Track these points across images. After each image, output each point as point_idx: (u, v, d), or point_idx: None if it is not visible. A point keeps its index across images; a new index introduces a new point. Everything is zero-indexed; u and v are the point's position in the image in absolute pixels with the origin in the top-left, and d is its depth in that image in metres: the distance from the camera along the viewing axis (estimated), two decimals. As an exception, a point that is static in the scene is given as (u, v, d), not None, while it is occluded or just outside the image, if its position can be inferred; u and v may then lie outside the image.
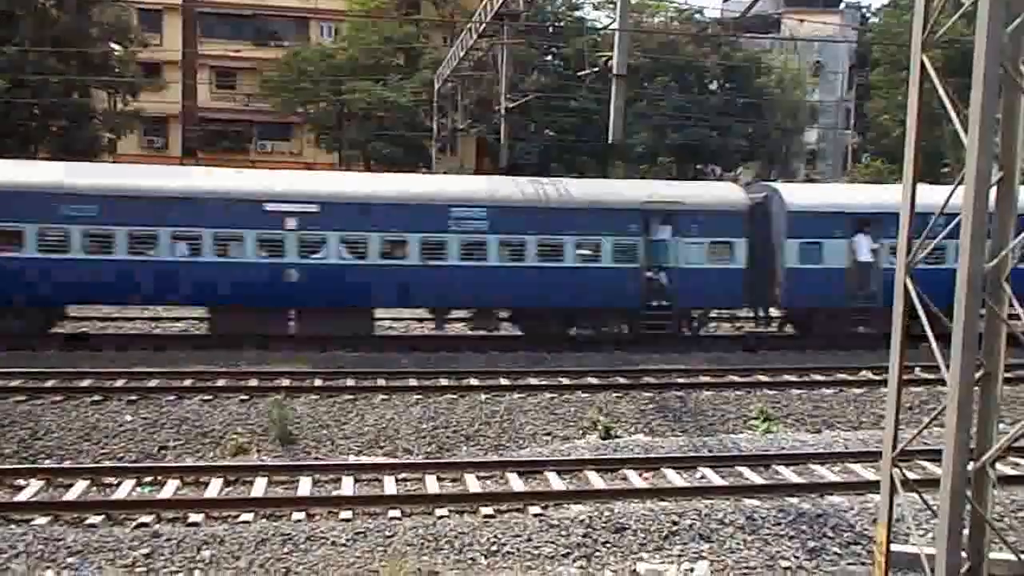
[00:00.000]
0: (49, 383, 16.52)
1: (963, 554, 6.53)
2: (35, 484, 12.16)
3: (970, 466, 6.50)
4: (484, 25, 29.25)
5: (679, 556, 10.57)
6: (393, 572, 9.56)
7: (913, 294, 6.77)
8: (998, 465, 7.76)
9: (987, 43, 5.96)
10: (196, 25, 52.31)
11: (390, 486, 12.43)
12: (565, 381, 17.89)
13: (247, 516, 11.19)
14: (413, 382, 17.52)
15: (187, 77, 51.79)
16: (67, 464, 13.67)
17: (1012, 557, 7.53)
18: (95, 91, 43.90)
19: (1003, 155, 6.41)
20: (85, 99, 42.70)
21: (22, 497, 11.71)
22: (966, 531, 6.57)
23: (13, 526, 10.67)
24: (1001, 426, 6.82)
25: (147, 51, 46.57)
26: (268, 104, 49.67)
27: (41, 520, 10.89)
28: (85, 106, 42.30)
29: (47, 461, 13.95)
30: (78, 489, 12.05)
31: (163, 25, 51.18)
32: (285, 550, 10.25)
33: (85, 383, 16.64)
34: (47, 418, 15.03)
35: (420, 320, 24.23)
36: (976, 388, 6.38)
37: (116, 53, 42.69)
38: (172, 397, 16.08)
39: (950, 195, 6.61)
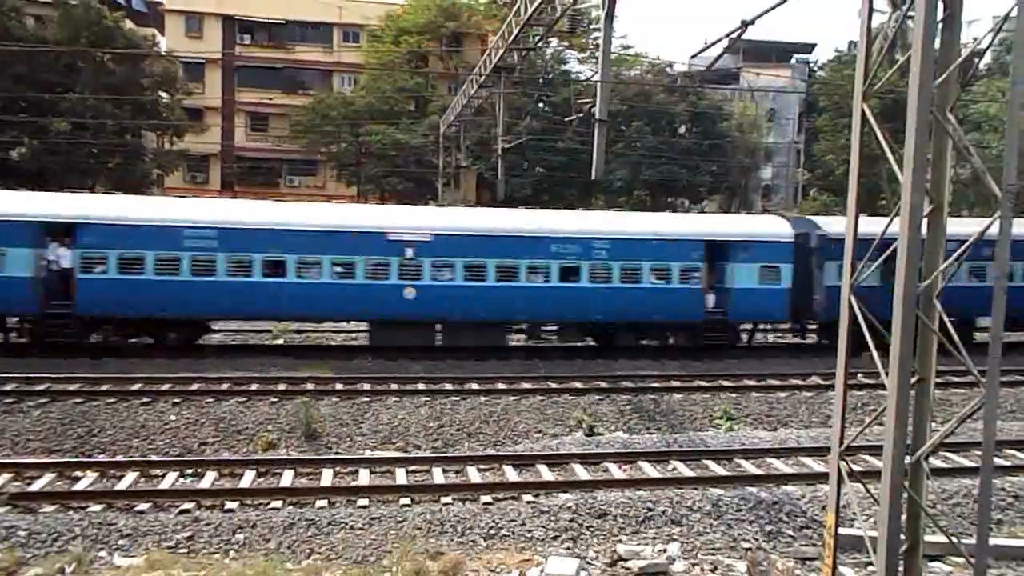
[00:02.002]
0: (104, 387, 16.41)
1: (902, 536, 6.51)
2: (91, 475, 12.09)
3: (907, 460, 6.49)
4: (484, 77, 29.39)
5: (654, 538, 10.53)
6: (404, 552, 9.50)
7: (857, 310, 6.78)
8: (932, 459, 7.73)
9: (919, 94, 6.01)
10: (234, 76, 52.44)
11: (401, 477, 12.36)
12: (553, 385, 17.83)
13: (276, 503, 11.13)
14: (421, 386, 17.44)
15: (226, 121, 51.85)
16: (119, 458, 13.58)
17: (944, 539, 7.51)
18: (146, 133, 43.95)
19: (934, 190, 6.45)
20: (137, 140, 42.71)
21: (79, 487, 11.63)
22: (904, 517, 6.56)
23: (71, 512, 10.60)
24: (933, 425, 6.82)
25: (191, 98, 46.55)
26: (296, 144, 49.75)
27: (96, 507, 10.81)
28: (137, 146, 42.30)
29: (101, 455, 13.85)
30: (128, 479, 11.98)
31: (205, 76, 51.25)
32: (309, 533, 10.20)
33: (135, 387, 16.54)
34: (101, 417, 14.94)
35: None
36: (912, 392, 6.39)
37: (164, 100, 42.73)
38: (211, 399, 15.98)
39: (888, 224, 6.64)
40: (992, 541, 8.22)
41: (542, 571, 9.38)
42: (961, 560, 9.30)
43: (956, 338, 6.36)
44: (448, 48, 50.36)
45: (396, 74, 48.17)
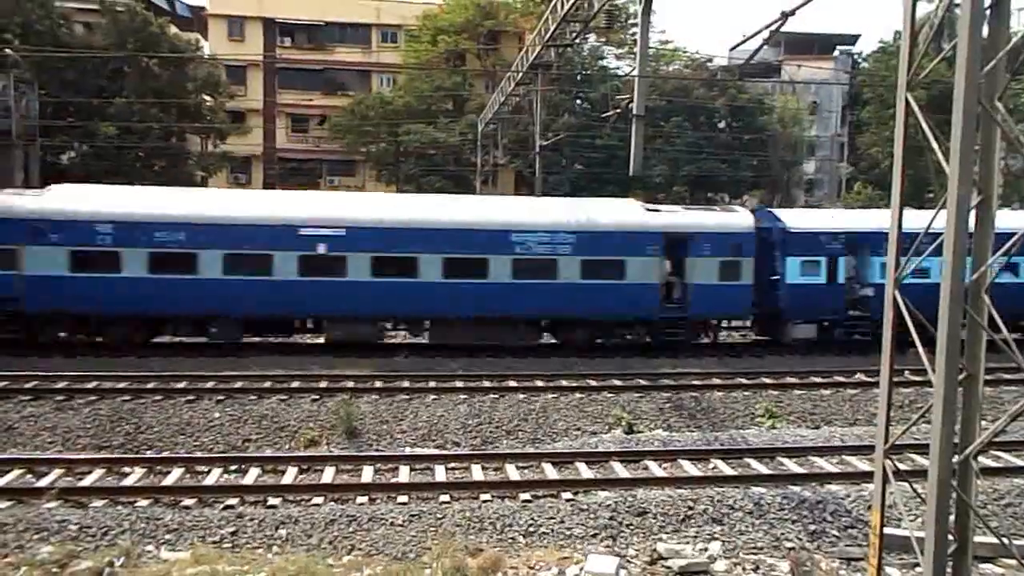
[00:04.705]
0: (150, 385, 16.77)
1: (950, 537, 6.36)
2: (138, 471, 12.36)
3: (955, 458, 6.34)
4: (521, 74, 29.41)
5: (695, 537, 10.43)
6: (444, 549, 9.54)
7: (902, 305, 6.63)
8: (982, 458, 7.54)
9: (966, 83, 5.85)
10: (275, 78, 53.21)
11: (440, 474, 12.42)
12: (592, 383, 17.75)
13: (318, 499, 11.27)
14: (460, 384, 17.50)
15: (267, 123, 52.62)
16: (165, 454, 13.87)
17: (995, 540, 7.32)
18: (190, 136, 44.78)
19: (982, 181, 6.28)
20: (182, 143, 43.55)
21: (127, 482, 11.90)
22: (953, 517, 6.41)
23: (120, 507, 10.85)
24: (984, 423, 6.64)
25: (234, 101, 47.38)
26: (336, 144, 50.30)
27: (143, 502, 11.06)
28: (182, 149, 43.15)
29: (148, 452, 14.16)
30: (174, 475, 12.21)
31: (247, 79, 52.05)
32: (350, 529, 10.30)
33: (181, 385, 16.87)
34: (148, 415, 15.26)
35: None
36: (960, 389, 6.23)
37: (208, 103, 43.50)
38: (254, 397, 16.23)
39: (933, 217, 6.49)
40: (1046, 542, 8.00)
41: (582, 569, 9.35)
42: (1013, 562, 9.06)
43: (1006, 333, 6.18)
44: (485, 46, 50.47)
45: (434, 73, 48.43)
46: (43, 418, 14.93)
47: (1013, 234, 6.14)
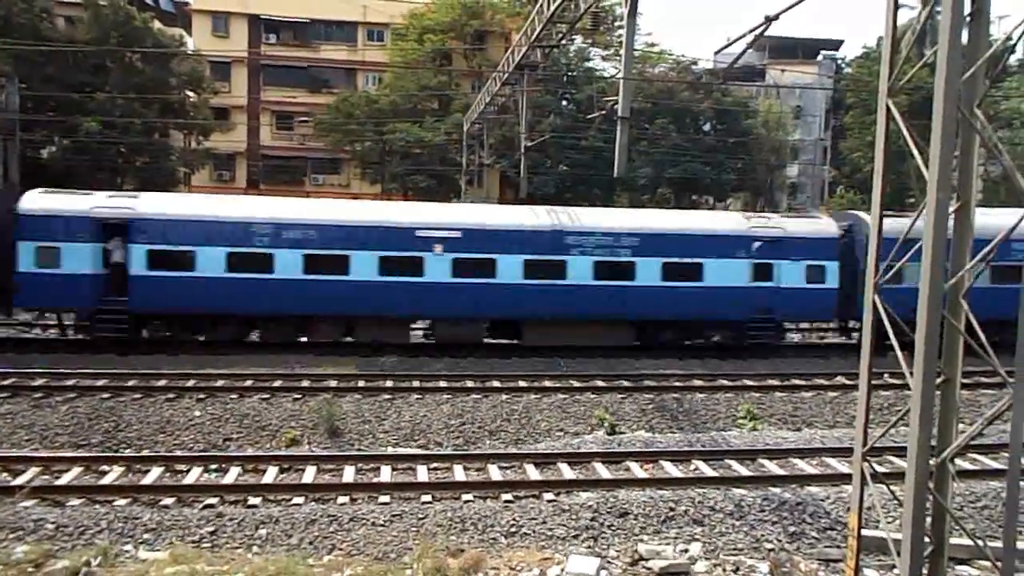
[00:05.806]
0: (130, 383, 16.63)
1: (926, 539, 6.42)
2: (117, 470, 12.25)
3: (932, 461, 6.40)
4: (507, 74, 29.36)
5: (676, 538, 10.48)
6: (425, 549, 9.52)
7: (881, 309, 6.70)
8: (959, 461, 7.62)
9: (945, 90, 5.92)
10: (259, 75, 52.87)
11: (423, 474, 12.40)
12: (575, 384, 17.79)
13: (299, 499, 11.21)
14: (443, 384, 17.48)
15: (251, 120, 52.25)
16: (145, 453, 13.75)
17: (971, 542, 7.40)
18: (173, 132, 44.37)
19: (961, 187, 6.35)
20: (165, 139, 43.12)
21: (106, 481, 11.79)
22: (929, 519, 6.47)
23: (98, 506, 10.75)
24: (961, 426, 6.71)
25: (218, 97, 46.95)
26: (321, 143, 50.06)
27: (121, 501, 10.96)
28: (165, 145, 42.71)
29: (128, 450, 14.05)
30: (154, 474, 12.11)
31: (231, 75, 51.69)
32: (331, 529, 10.26)
33: (161, 383, 16.74)
34: (128, 413, 15.14)
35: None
36: (937, 392, 6.30)
37: (191, 99, 43.15)
38: (235, 395, 16.14)
39: (913, 222, 6.55)
40: (1021, 545, 8.08)
41: (563, 570, 9.36)
42: (988, 564, 9.16)
43: (983, 338, 6.25)
44: (472, 46, 50.37)
45: (420, 72, 48.27)
46: (20, 415, 14.77)
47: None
